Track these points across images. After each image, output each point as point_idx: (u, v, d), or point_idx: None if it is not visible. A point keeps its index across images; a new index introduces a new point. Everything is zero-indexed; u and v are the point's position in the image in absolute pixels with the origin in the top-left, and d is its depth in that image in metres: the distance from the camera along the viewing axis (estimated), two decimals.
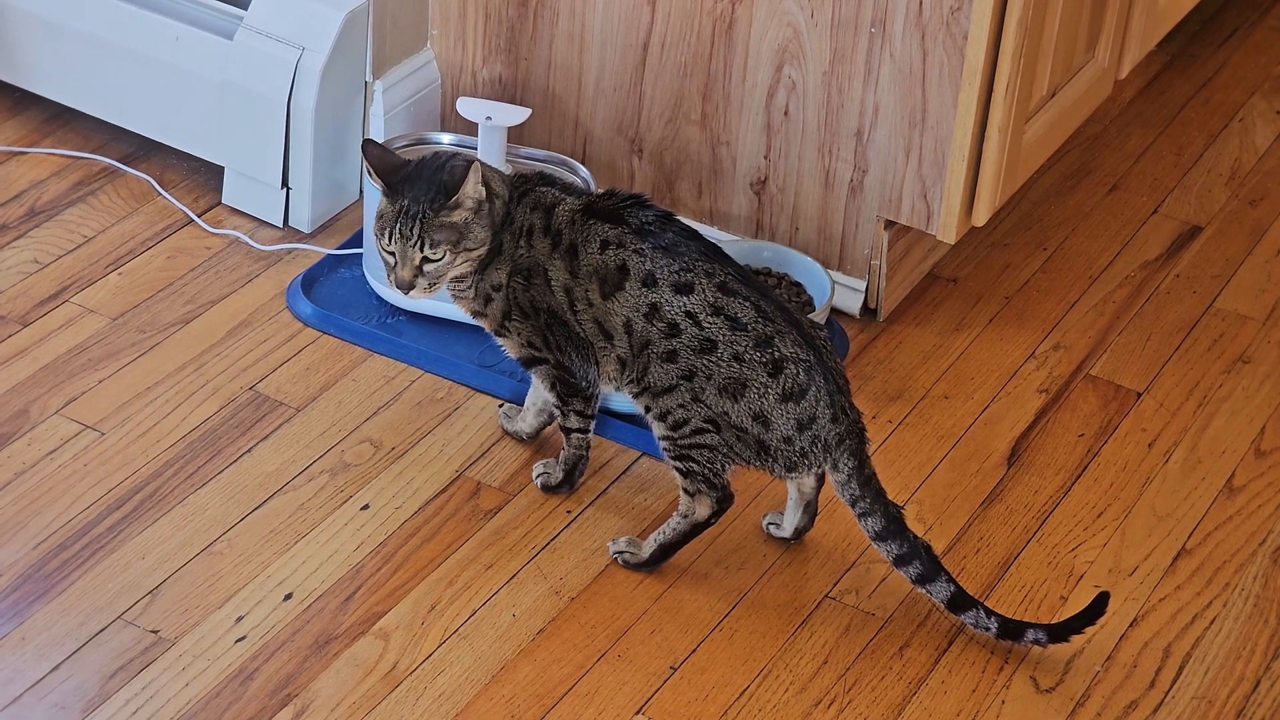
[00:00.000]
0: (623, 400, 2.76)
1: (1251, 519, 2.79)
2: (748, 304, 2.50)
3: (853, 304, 3.06)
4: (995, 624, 2.52)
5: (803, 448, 2.50)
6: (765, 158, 3.03)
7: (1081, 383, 3.01)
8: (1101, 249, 3.27)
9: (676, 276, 2.51)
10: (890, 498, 2.53)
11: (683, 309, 2.50)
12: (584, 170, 2.98)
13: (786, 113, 2.99)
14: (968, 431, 2.90)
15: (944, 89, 2.87)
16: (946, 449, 2.86)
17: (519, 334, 2.63)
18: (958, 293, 3.16)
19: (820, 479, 2.63)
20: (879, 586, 2.63)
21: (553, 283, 2.57)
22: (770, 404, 2.49)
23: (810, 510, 2.66)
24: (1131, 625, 2.61)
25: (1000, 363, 3.03)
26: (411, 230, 2.50)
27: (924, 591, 2.52)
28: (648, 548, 2.62)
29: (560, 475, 2.72)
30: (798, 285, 3.00)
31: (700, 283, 2.51)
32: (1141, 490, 2.82)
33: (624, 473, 2.77)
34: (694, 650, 2.53)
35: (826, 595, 2.62)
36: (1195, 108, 3.64)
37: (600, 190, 2.65)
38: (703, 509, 2.58)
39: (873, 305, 3.06)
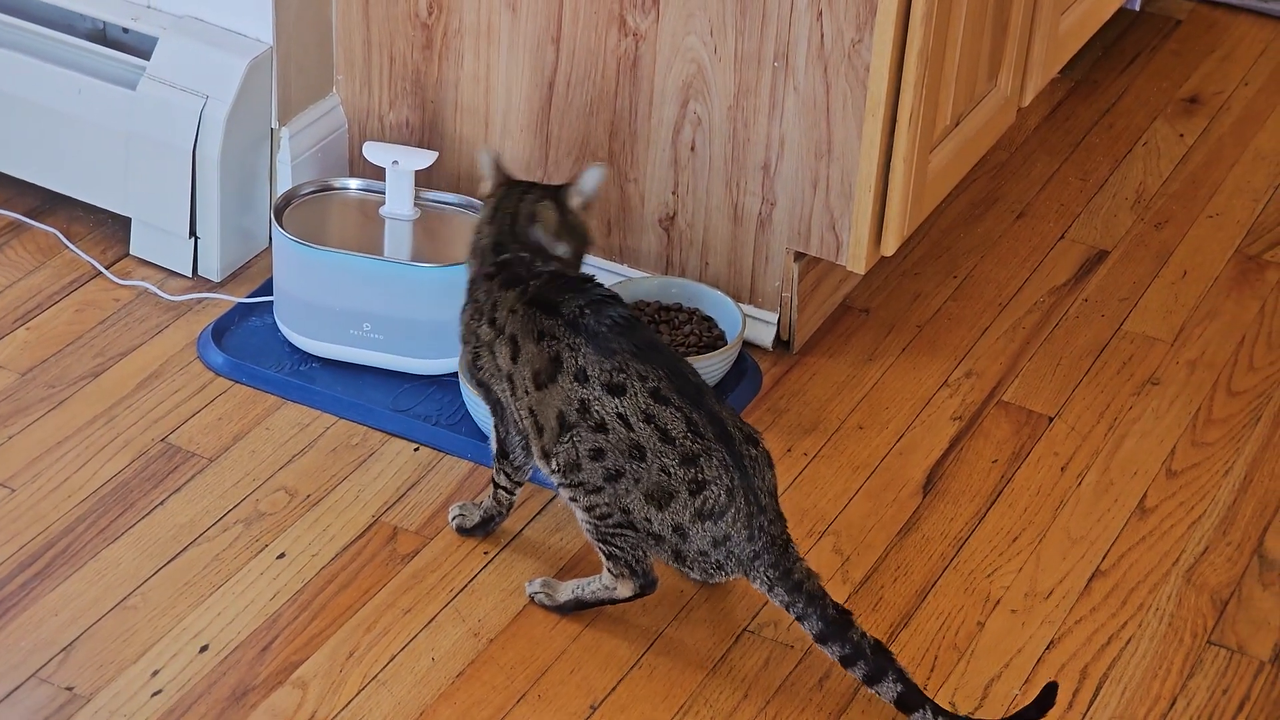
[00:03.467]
0: None
1: (1164, 539, 2.81)
2: (679, 415, 2.48)
3: (765, 337, 3.07)
4: None
5: (718, 560, 2.50)
6: (673, 193, 3.04)
7: (994, 409, 3.02)
8: (1010, 275, 3.29)
9: (609, 376, 2.50)
10: (834, 601, 2.47)
11: (614, 410, 2.50)
12: None
13: (693, 148, 3.00)
14: (883, 461, 2.91)
15: (848, 121, 2.89)
16: (862, 479, 2.87)
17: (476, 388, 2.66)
18: (870, 323, 3.17)
19: None
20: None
21: (499, 363, 2.58)
22: (687, 520, 2.49)
23: None
24: (1048, 648, 2.62)
25: (914, 391, 3.04)
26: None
27: (873, 691, 2.49)
28: (563, 594, 2.61)
29: (476, 520, 2.71)
30: (709, 320, 3.01)
31: (633, 385, 2.50)
32: (1055, 514, 2.84)
33: (540, 512, 2.77)
34: (614, 689, 2.53)
35: (745, 629, 2.62)
36: (1099, 133, 3.67)
37: (548, 271, 2.62)
38: (624, 590, 2.58)
39: (785, 337, 3.07)
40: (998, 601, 2.69)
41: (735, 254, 3.05)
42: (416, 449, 2.86)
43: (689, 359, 2.89)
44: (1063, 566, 2.75)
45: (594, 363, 2.50)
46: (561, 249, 2.63)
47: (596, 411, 2.49)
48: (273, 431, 2.87)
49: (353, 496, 2.77)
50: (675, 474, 2.47)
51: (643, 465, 2.48)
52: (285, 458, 2.83)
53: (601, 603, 2.60)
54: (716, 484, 2.47)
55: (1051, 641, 2.63)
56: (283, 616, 2.58)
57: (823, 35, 2.85)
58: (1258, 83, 3.85)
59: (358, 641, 2.56)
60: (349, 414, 2.90)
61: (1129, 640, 2.64)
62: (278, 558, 2.67)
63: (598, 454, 2.50)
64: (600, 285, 2.60)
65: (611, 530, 2.53)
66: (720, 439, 2.48)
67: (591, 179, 2.64)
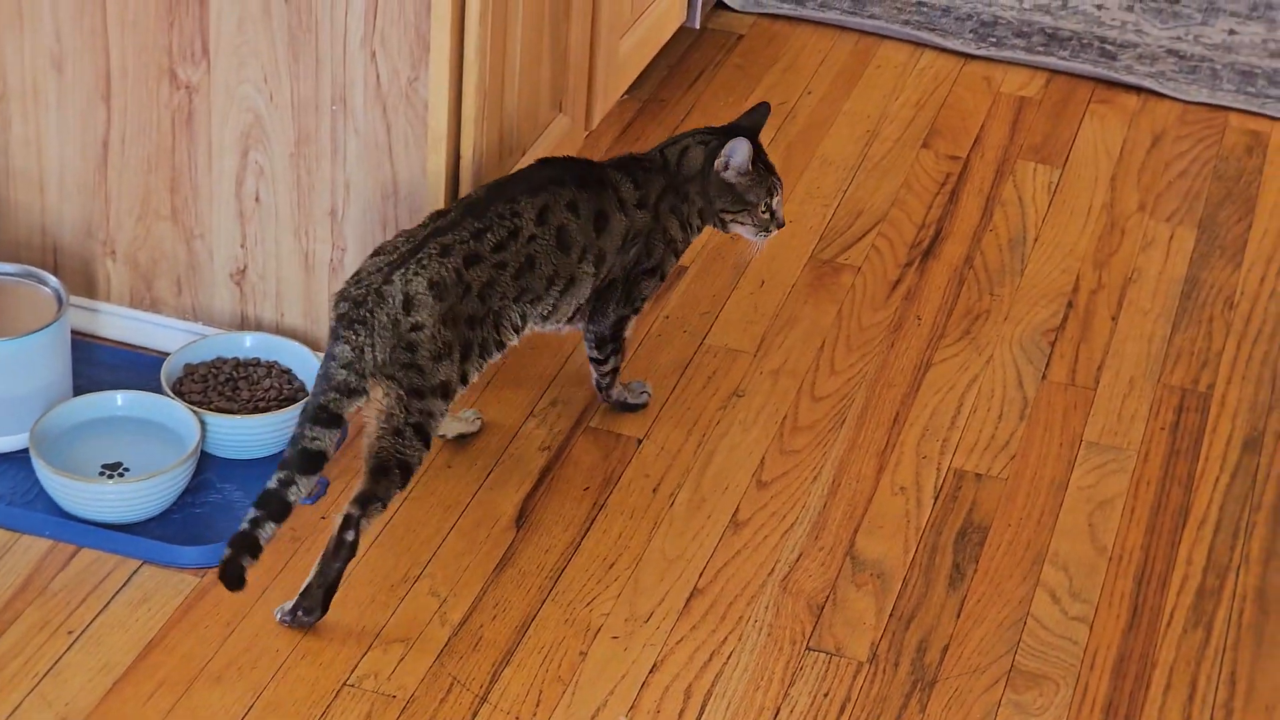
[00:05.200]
0: (120, 510, 2.69)
1: (759, 550, 2.84)
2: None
3: None
4: None
5: None
6: (242, 247, 2.99)
7: (582, 436, 3.02)
8: None
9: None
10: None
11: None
12: (54, 280, 2.89)
13: (258, 199, 2.95)
14: (474, 498, 2.89)
15: (411, 159, 2.87)
16: (454, 518, 2.85)
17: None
18: None
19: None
20: (398, 667, 2.60)
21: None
22: None
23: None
24: (652, 671, 2.63)
25: (501, 425, 3.03)
26: (778, 180, 3.02)
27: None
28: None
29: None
30: (288, 372, 2.96)
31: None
32: (650, 536, 2.85)
33: (125, 584, 2.69)
34: None
35: (345, 683, 2.57)
36: None
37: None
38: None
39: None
40: (599, 629, 2.69)
41: (310, 303, 3.00)
42: None
43: (268, 414, 2.85)
44: (661, 588, 2.76)
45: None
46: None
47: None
48: None
49: None
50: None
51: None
52: None
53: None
54: None
55: (655, 664, 2.64)
56: None
57: (378, 75, 2.83)
58: (820, 91, 3.92)
59: None
60: None
61: (730, 655, 2.66)
62: None
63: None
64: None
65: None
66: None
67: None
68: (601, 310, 2.94)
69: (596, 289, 2.90)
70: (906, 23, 4.18)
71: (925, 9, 4.24)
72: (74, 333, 3.02)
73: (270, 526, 2.57)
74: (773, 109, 3.82)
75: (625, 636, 2.67)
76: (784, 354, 3.21)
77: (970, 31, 4.17)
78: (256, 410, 2.89)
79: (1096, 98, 3.99)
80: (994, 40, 4.15)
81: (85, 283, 3.07)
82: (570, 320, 2.92)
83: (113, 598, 2.67)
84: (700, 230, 3.01)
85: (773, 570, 2.81)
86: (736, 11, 4.18)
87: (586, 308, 2.92)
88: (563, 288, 2.84)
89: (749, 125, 3.03)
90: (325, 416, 2.61)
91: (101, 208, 3.01)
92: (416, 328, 2.65)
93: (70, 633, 2.62)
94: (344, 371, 2.62)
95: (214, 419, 2.84)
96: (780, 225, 3.02)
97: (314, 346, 3.00)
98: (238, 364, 2.96)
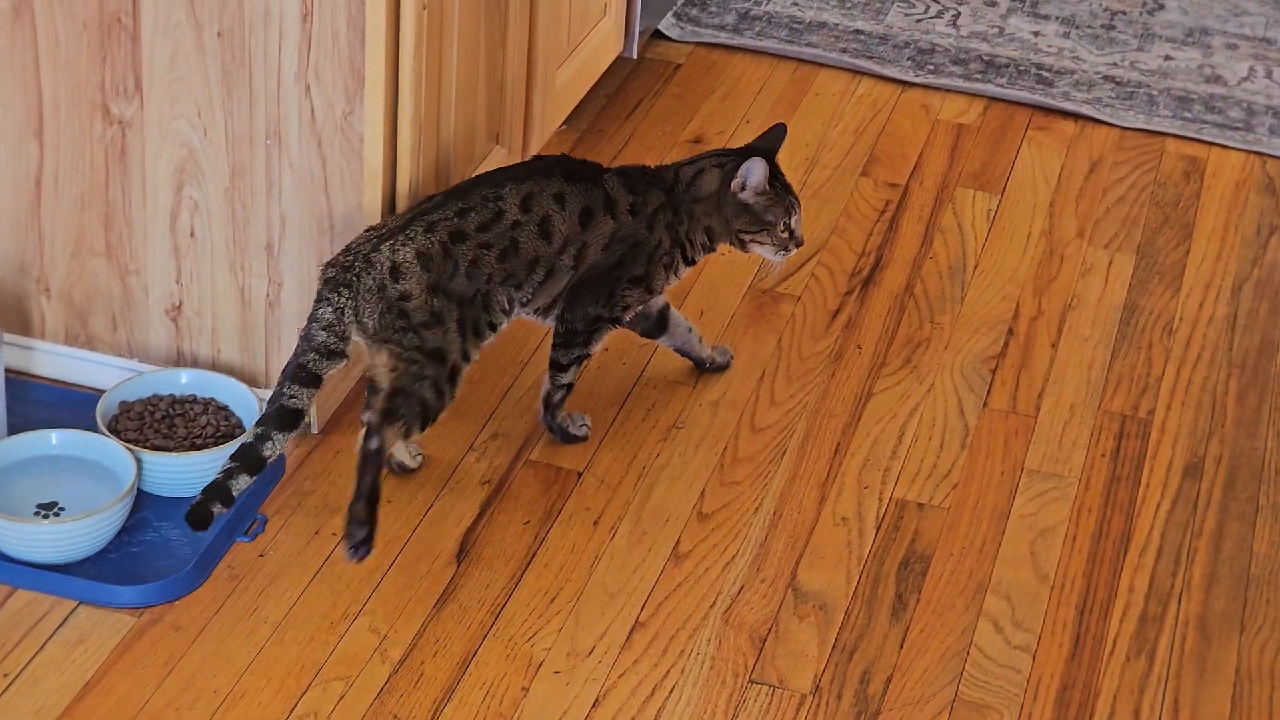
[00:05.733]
0: (56, 550, 2.67)
1: (700, 582, 2.83)
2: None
3: None
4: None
5: None
6: (177, 282, 2.96)
7: (522, 469, 3.01)
8: (529, 333, 3.28)
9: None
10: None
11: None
12: None
13: (193, 234, 2.93)
14: (414, 533, 2.87)
15: (347, 193, 2.85)
16: (394, 554, 2.83)
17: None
18: None
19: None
20: (338, 705, 2.58)
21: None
22: None
23: None
24: (594, 706, 2.61)
25: (441, 459, 3.01)
26: (796, 199, 3.04)
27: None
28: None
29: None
30: (225, 409, 2.94)
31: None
32: (591, 569, 2.84)
33: (62, 625, 2.66)
34: None
35: None
36: None
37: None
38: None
39: (305, 419, 3.01)
40: (540, 664, 2.67)
41: (246, 339, 2.98)
42: None
43: (204, 451, 2.83)
44: (602, 622, 2.75)
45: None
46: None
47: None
48: None
49: None
50: None
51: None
52: None
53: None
54: None
55: (597, 699, 2.63)
56: None
57: (313, 109, 2.81)
58: (759, 119, 3.92)
59: None
60: None
61: (673, 688, 2.65)
62: None
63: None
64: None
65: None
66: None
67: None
68: (577, 302, 2.95)
69: (573, 281, 2.92)
70: (844, 51, 4.19)
71: (863, 37, 4.25)
72: (8, 371, 2.99)
73: (244, 478, 2.67)
74: (710, 138, 3.82)
75: (567, 671, 2.66)
76: (724, 385, 3.20)
77: (908, 59, 4.18)
78: (193, 447, 2.87)
79: (1034, 124, 4.00)
80: (931, 68, 4.15)
81: (19, 320, 3.04)
82: (548, 311, 2.95)
83: (49, 639, 2.64)
84: (709, 250, 3.04)
85: (714, 603, 2.79)
86: (674, 41, 4.17)
87: (560, 303, 2.95)
88: (543, 277, 2.89)
89: (766, 147, 3.06)
90: (304, 375, 2.71)
91: (35, 245, 2.99)
92: (405, 296, 2.74)
93: (5, 675, 2.59)
94: (324, 333, 2.71)
95: (150, 457, 2.82)
96: (799, 244, 3.05)
97: (251, 382, 2.98)
98: (174, 401, 2.94)
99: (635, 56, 3.95)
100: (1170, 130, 4.00)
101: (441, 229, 2.78)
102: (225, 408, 2.94)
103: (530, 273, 2.87)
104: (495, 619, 2.74)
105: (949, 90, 4.08)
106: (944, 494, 3.01)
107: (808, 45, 4.19)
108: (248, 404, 2.92)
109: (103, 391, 2.97)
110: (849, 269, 3.50)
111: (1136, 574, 2.90)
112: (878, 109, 4.01)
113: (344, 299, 2.71)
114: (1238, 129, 4.02)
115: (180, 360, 3.02)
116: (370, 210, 2.84)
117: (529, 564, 2.84)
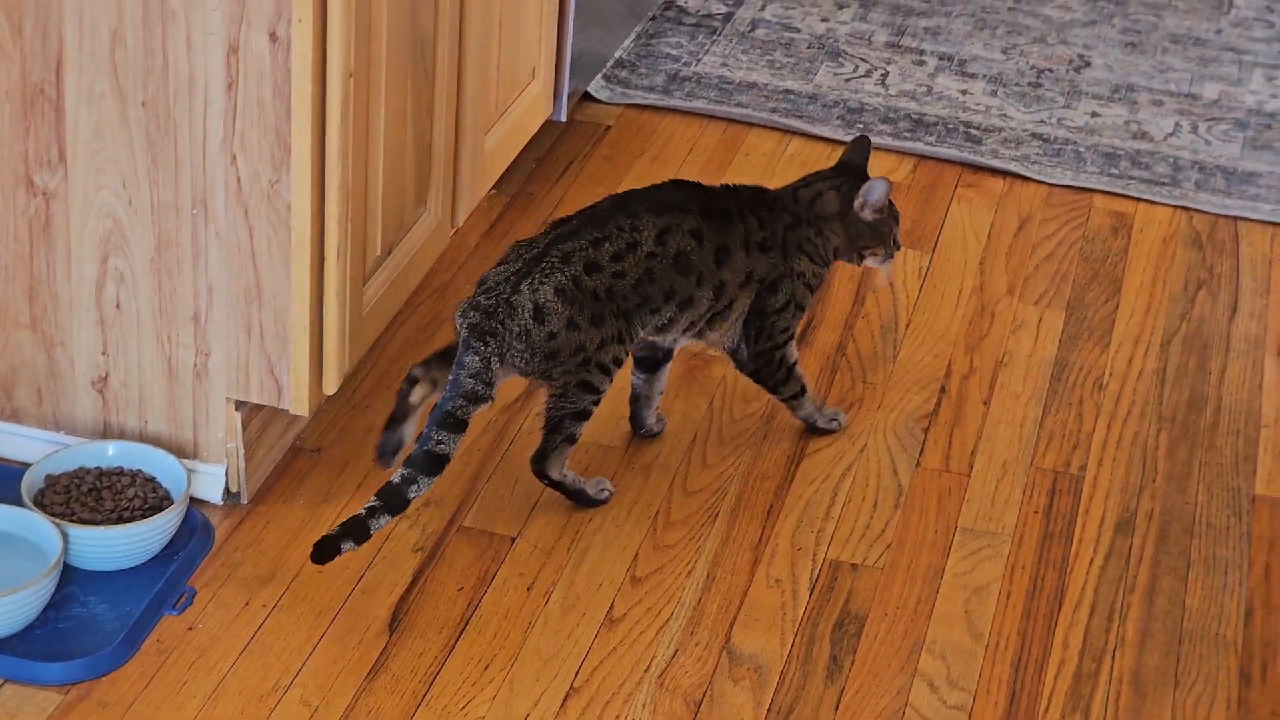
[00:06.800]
0: None
1: (634, 647, 2.81)
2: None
3: (214, 491, 2.99)
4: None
5: None
6: (104, 354, 2.94)
7: (456, 536, 2.99)
8: None
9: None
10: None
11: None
12: None
13: (119, 305, 2.91)
14: (346, 603, 2.85)
15: (275, 262, 2.84)
16: (326, 625, 2.81)
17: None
18: (323, 462, 3.11)
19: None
20: None
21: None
22: None
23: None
24: None
25: None
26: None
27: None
28: None
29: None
30: (152, 481, 2.91)
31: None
32: (525, 635, 2.82)
33: None
34: None
35: None
36: None
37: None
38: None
39: (235, 489, 3.00)
40: None
41: (174, 410, 2.96)
42: None
43: (133, 524, 2.81)
44: (537, 688, 2.73)
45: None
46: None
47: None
48: None
49: None
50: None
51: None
52: None
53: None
54: None
55: None
56: None
57: (239, 178, 2.80)
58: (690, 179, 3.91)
59: None
60: None
61: None
62: None
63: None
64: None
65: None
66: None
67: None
68: (742, 350, 3.12)
69: (716, 312, 3.05)
70: (774, 110, 4.20)
71: (792, 97, 4.26)
72: None
73: (384, 518, 2.80)
74: None
75: None
76: (655, 449, 3.20)
77: (837, 118, 4.20)
78: (121, 520, 2.85)
79: (963, 182, 4.02)
80: (860, 126, 4.17)
81: None
82: (686, 333, 3.06)
83: None
84: (831, 264, 3.16)
85: (649, 667, 2.78)
86: (603, 103, 4.18)
87: (718, 333, 3.08)
88: (679, 305, 3.00)
89: (859, 161, 3.18)
90: (452, 422, 2.83)
91: None
92: (551, 337, 2.88)
93: None
94: (472, 380, 2.84)
95: (77, 531, 2.79)
96: (899, 248, 3.19)
97: (179, 453, 2.96)
98: (101, 473, 2.92)
99: (564, 119, 3.95)
100: (1098, 186, 4.02)
101: (577, 260, 2.90)
102: (153, 479, 2.92)
103: (667, 300, 2.98)
104: (429, 688, 2.72)
105: (879, 149, 4.09)
106: (878, 554, 3.01)
107: (737, 105, 4.20)
108: (176, 475, 2.89)
109: (28, 465, 2.94)
110: None
111: (1070, 630, 2.90)
112: (808, 168, 4.00)
113: (490, 348, 2.84)
114: (1164, 184, 4.04)
115: (107, 432, 2.99)
116: (299, 278, 2.83)
117: (462, 631, 2.82)
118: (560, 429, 2.96)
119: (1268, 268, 3.79)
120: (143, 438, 2.98)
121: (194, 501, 2.97)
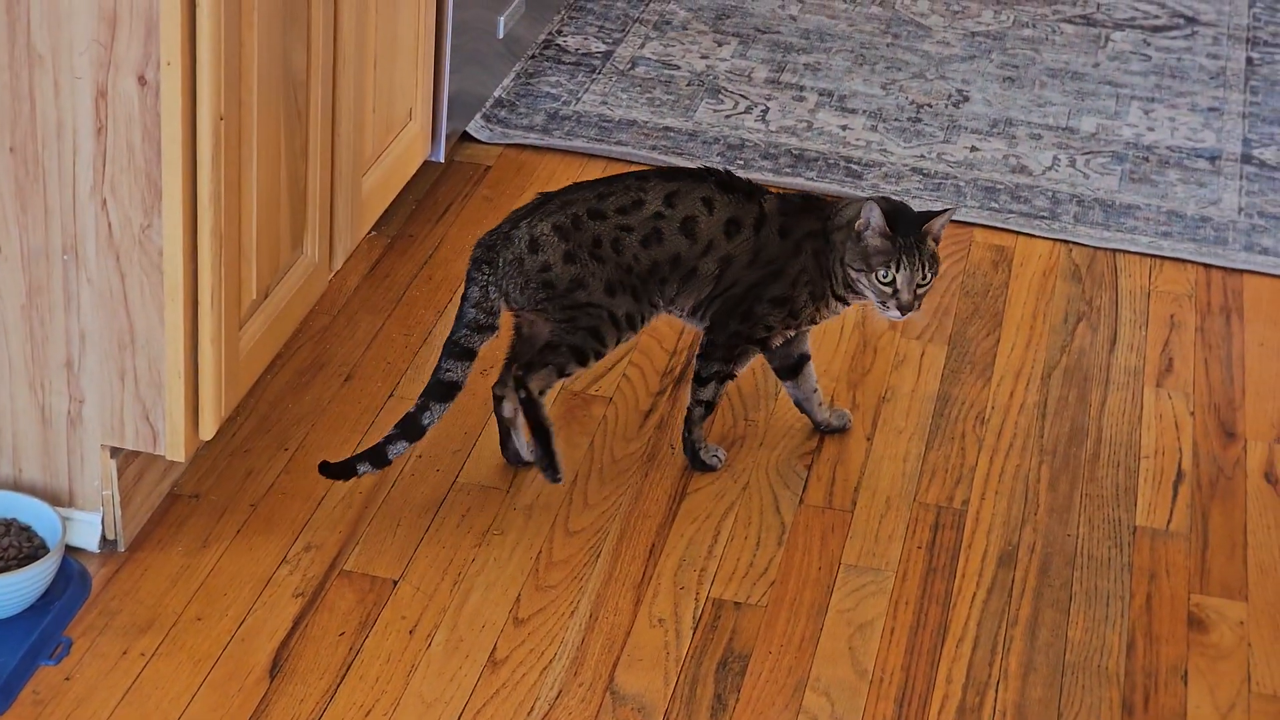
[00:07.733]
0: None
1: (518, 689, 2.80)
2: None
3: (90, 539, 2.95)
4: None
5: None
6: None
7: (337, 579, 2.97)
8: (343, 440, 3.25)
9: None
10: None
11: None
12: None
13: None
14: (225, 650, 2.82)
15: (148, 308, 2.81)
16: (205, 672, 2.78)
17: None
18: (201, 508, 3.08)
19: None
20: None
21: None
22: None
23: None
24: None
25: (253, 573, 2.96)
26: (915, 262, 3.01)
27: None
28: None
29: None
30: (27, 529, 2.88)
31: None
32: (408, 679, 2.80)
33: None
34: None
35: None
36: (420, 286, 3.67)
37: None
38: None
39: (111, 536, 2.96)
40: None
41: (48, 457, 2.92)
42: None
43: (7, 574, 2.77)
44: None
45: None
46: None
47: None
48: None
49: None
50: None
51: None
52: None
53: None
54: None
55: None
56: None
57: (110, 224, 2.77)
58: None
59: None
60: None
61: None
62: None
63: None
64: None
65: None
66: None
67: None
68: (720, 316, 3.12)
69: (716, 294, 3.08)
70: (654, 148, 4.20)
71: (672, 134, 4.26)
72: None
73: (402, 444, 3.02)
74: None
75: None
76: (536, 489, 3.18)
77: (718, 155, 4.20)
78: None
79: None
80: (741, 162, 4.18)
81: None
82: (693, 314, 3.13)
83: None
84: (851, 288, 3.10)
85: (532, 709, 2.76)
86: (483, 143, 4.17)
87: (705, 310, 3.11)
88: (684, 275, 3.06)
89: (924, 211, 3.11)
90: (458, 350, 3.01)
91: None
92: (545, 267, 3.00)
93: None
94: (473, 310, 3.00)
95: None
96: (904, 306, 3.04)
97: (54, 501, 2.92)
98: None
99: (443, 160, 3.94)
100: (978, 220, 4.04)
101: (579, 206, 3.02)
102: (28, 528, 2.88)
103: (673, 269, 3.04)
104: None
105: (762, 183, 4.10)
106: (761, 592, 3.00)
107: (617, 144, 4.20)
108: (51, 524, 2.86)
109: None
110: (660, 368, 3.50)
111: (954, 665, 2.90)
112: None
113: (486, 275, 2.99)
114: (1043, 217, 4.07)
115: None
116: (172, 324, 2.80)
117: (344, 676, 2.80)
118: (556, 350, 3.05)
119: (1146, 300, 3.82)
120: (17, 486, 2.95)
121: (70, 550, 2.93)
